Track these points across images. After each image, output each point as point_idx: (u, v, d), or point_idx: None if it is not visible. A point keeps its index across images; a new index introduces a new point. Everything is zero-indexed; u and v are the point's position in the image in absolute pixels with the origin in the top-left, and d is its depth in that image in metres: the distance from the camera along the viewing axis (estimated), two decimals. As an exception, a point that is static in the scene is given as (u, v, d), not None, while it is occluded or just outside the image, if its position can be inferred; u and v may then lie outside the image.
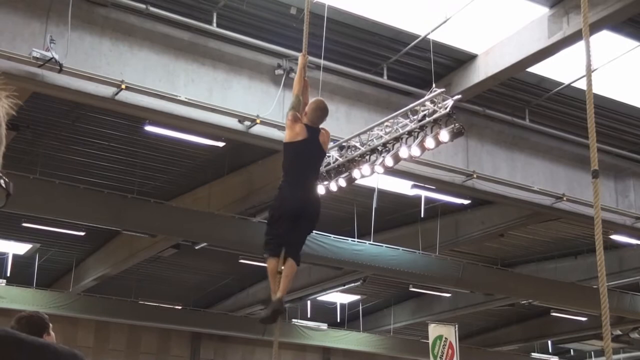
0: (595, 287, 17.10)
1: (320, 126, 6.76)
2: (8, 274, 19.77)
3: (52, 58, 9.34)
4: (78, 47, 9.89)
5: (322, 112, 6.75)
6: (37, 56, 9.33)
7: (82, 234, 18.07)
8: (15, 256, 19.94)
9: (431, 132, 10.12)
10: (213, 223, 16.08)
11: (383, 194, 15.60)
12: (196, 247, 18.14)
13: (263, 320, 6.81)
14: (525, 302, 21.96)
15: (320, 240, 16.86)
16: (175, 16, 10.54)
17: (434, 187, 14.41)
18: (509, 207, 15.46)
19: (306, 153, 6.55)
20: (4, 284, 19.65)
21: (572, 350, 30.76)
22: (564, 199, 13.78)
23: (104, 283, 20.60)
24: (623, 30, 10.97)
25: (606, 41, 11.05)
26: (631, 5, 9.63)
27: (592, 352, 29.85)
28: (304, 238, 6.79)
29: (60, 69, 9.51)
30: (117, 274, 19.94)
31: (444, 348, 18.83)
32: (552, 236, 18.98)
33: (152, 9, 10.31)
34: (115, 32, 10.32)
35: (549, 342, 28.90)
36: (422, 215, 16.45)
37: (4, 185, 1.38)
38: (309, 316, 24.04)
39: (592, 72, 4.40)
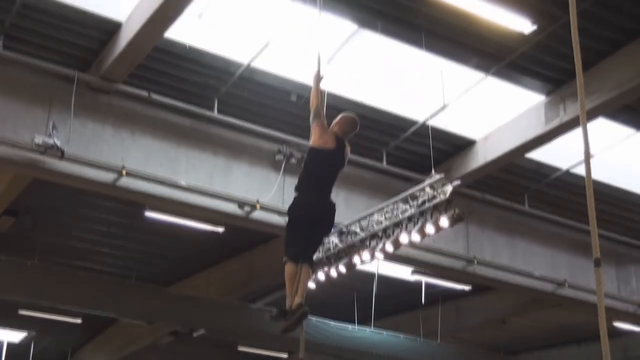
0: (600, 375, 16.76)
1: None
2: (2, 363, 19.45)
3: (54, 145, 9.40)
4: (80, 133, 9.98)
5: (354, 124, 6.87)
6: (39, 143, 9.39)
7: (79, 321, 17.85)
8: (9, 345, 19.64)
9: (431, 218, 10.10)
10: (212, 309, 15.91)
11: (383, 279, 15.48)
12: (194, 335, 17.87)
13: (287, 329, 6.67)
14: (529, 391, 21.51)
15: (320, 327, 16.65)
16: (177, 103, 10.68)
17: (434, 273, 14.32)
18: (511, 293, 15.33)
19: (331, 162, 6.67)
20: (-3, 373, 19.32)
21: None
22: (566, 285, 13.67)
23: (99, 371, 20.23)
24: (619, 117, 11.10)
25: (602, 128, 11.17)
26: (626, 93, 9.78)
27: None
28: (320, 243, 6.96)
29: (62, 156, 9.56)
30: (114, 362, 19.60)
31: None
32: (554, 323, 18.73)
33: (154, 96, 10.46)
34: (118, 119, 10.43)
35: None
36: (423, 302, 16.29)
37: None
38: (308, 405, 23.49)
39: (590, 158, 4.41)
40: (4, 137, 9.45)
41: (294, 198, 6.66)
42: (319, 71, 6.83)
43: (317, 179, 6.62)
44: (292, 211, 6.65)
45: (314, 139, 6.66)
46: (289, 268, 6.50)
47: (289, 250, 6.55)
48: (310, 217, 6.54)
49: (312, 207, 6.54)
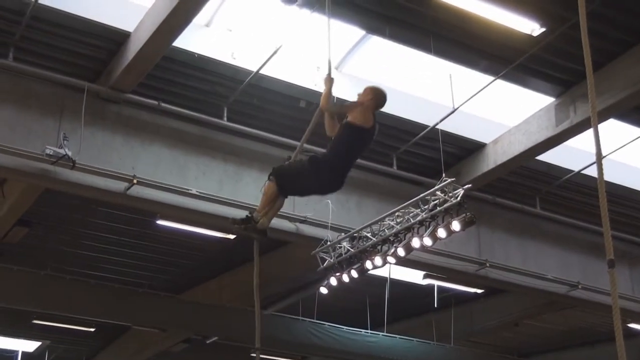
0: (615, 377, 16.66)
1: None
2: (17, 372, 19.53)
3: (65, 155, 9.43)
4: (90, 143, 10.02)
5: (385, 99, 6.85)
6: (50, 153, 9.42)
7: (92, 329, 17.90)
8: (24, 354, 19.72)
9: (442, 222, 10.08)
10: (224, 316, 15.92)
11: (396, 283, 15.46)
12: (207, 342, 17.89)
13: (240, 230, 6.93)
14: (544, 393, 21.41)
15: (333, 332, 16.64)
16: (187, 111, 10.70)
17: (446, 277, 14.29)
18: (524, 295, 15.27)
19: (366, 141, 6.71)
20: (12, 383, 19.39)
21: None
22: (579, 287, 13.61)
23: (113, 380, 20.26)
24: (629, 117, 11.07)
25: (613, 129, 11.14)
26: (636, 93, 9.73)
27: None
28: (306, 195, 7.03)
29: (73, 166, 9.60)
30: (127, 370, 19.63)
31: None
32: (568, 325, 18.66)
33: (163, 104, 10.48)
34: (127, 128, 10.47)
35: None
36: (435, 305, 16.25)
37: None
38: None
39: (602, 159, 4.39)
40: (16, 148, 9.49)
41: (325, 158, 6.57)
42: (329, 74, 6.81)
43: (351, 155, 6.61)
44: (317, 165, 6.57)
45: (356, 116, 6.49)
46: (271, 189, 6.67)
47: (285, 181, 6.64)
48: (324, 184, 6.65)
49: (334, 178, 6.59)
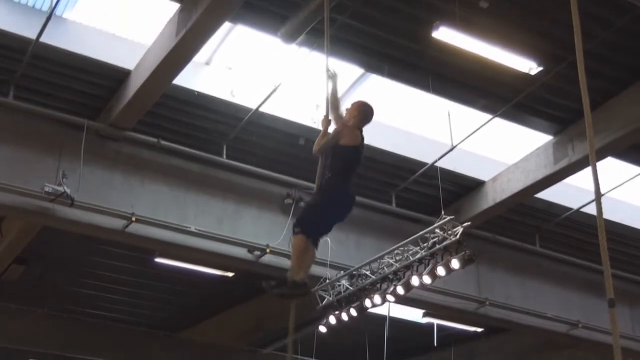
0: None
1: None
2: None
3: (63, 192, 9.44)
4: (90, 181, 10.02)
5: (373, 112, 6.90)
6: (49, 191, 9.43)
7: (89, 369, 17.72)
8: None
9: (442, 260, 10.05)
10: (223, 355, 15.79)
11: (395, 322, 15.35)
12: (205, 381, 17.71)
13: (284, 295, 6.81)
14: None
15: (332, 371, 16.47)
16: (186, 149, 10.73)
17: (446, 315, 14.19)
18: (524, 334, 15.16)
19: (358, 156, 6.79)
20: None
21: None
22: (579, 326, 13.52)
23: (110, 420, 20.01)
24: (627, 156, 11.10)
25: (611, 167, 11.17)
26: (634, 132, 9.78)
27: None
28: (330, 229, 6.99)
29: (72, 203, 9.59)
30: (124, 410, 19.40)
31: None
32: (569, 364, 18.50)
33: (163, 142, 10.51)
34: (127, 166, 10.48)
35: None
36: (435, 344, 16.12)
37: None
38: None
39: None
40: (15, 186, 9.49)
41: (329, 181, 6.59)
42: (327, 115, 6.87)
43: (350, 172, 6.70)
44: (327, 193, 6.62)
45: (346, 139, 6.60)
46: (300, 241, 6.55)
47: (308, 227, 6.56)
48: (338, 205, 6.65)
49: (343, 196, 6.64)
